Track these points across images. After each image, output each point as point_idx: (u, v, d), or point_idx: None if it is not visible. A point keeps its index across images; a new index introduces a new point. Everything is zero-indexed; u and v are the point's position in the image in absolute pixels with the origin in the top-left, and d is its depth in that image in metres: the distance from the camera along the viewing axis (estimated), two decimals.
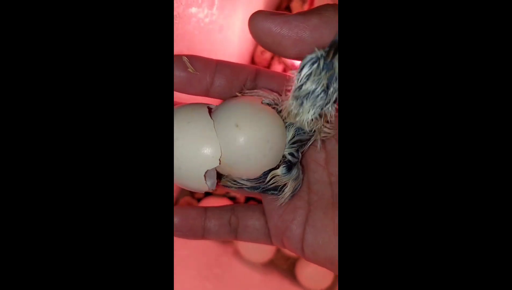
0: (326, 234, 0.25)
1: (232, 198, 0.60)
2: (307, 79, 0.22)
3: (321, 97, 0.22)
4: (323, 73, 0.21)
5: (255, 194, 0.27)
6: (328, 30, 0.21)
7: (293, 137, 0.24)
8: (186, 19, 0.38)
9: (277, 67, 0.62)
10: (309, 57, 0.22)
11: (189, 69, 0.24)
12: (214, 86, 0.25)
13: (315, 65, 0.21)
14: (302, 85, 0.22)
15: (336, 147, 0.25)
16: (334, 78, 0.21)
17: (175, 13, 0.32)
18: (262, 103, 0.24)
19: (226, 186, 0.26)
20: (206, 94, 0.25)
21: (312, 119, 0.23)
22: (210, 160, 0.23)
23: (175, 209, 0.28)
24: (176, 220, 0.28)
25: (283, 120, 0.25)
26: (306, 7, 0.49)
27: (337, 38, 0.21)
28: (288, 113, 0.24)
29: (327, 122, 0.24)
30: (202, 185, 0.24)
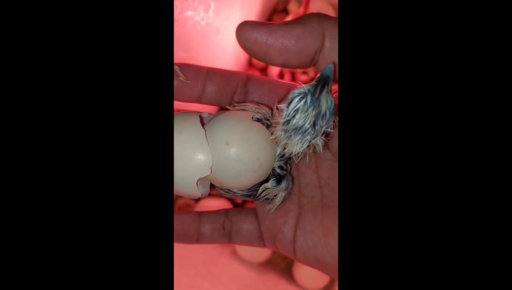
0: (315, 236, 0.25)
1: (230, 198, 0.60)
2: (295, 115, 0.22)
3: (309, 132, 0.22)
4: (310, 110, 0.22)
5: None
6: (312, 39, 0.22)
7: (283, 151, 0.25)
8: (182, 22, 0.38)
9: (274, 69, 0.62)
10: (296, 92, 0.22)
11: (181, 78, 0.24)
12: (205, 93, 0.25)
13: (303, 101, 0.22)
14: (290, 120, 0.23)
15: (325, 152, 0.26)
16: (321, 115, 0.22)
17: None
18: (252, 119, 0.25)
19: (219, 194, 0.27)
20: (198, 101, 0.26)
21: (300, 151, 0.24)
22: (202, 168, 0.24)
23: None
24: None
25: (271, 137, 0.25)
26: (302, 9, 0.49)
27: (324, 73, 0.22)
28: (278, 142, 0.24)
29: (316, 150, 0.24)
30: (195, 192, 0.25)
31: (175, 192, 0.26)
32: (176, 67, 0.24)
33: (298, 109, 0.22)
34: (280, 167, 0.26)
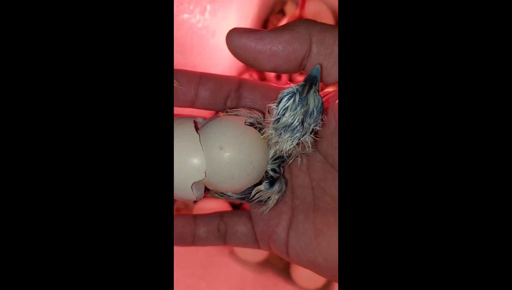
0: (307, 237, 0.26)
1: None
2: (284, 113, 0.23)
3: (298, 130, 0.23)
4: (298, 108, 0.23)
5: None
6: (299, 44, 0.22)
7: (275, 154, 0.26)
8: (178, 25, 0.38)
9: None
10: (285, 91, 0.23)
11: (175, 84, 0.25)
12: (199, 98, 0.26)
13: (291, 100, 0.23)
14: (280, 118, 0.23)
15: (316, 153, 0.26)
16: (309, 113, 0.23)
17: None
18: (245, 123, 0.25)
19: (214, 197, 0.27)
20: (192, 105, 0.26)
21: (291, 148, 0.25)
22: (196, 172, 0.25)
23: None
24: None
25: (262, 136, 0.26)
26: (297, 11, 0.50)
27: (311, 74, 0.23)
28: (269, 140, 0.25)
29: (305, 148, 0.25)
30: (189, 195, 0.25)
31: None
32: None
33: (287, 107, 0.23)
34: (273, 170, 0.26)
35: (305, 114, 0.23)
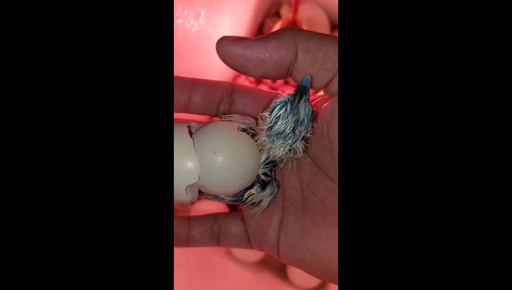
0: (296, 238, 0.26)
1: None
2: (276, 121, 0.25)
3: (290, 137, 0.25)
4: (290, 117, 0.24)
5: None
6: (285, 52, 0.23)
7: (266, 159, 0.27)
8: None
9: None
10: (278, 101, 0.25)
11: None
12: (191, 103, 0.27)
13: (283, 109, 0.24)
14: (272, 126, 0.25)
15: (305, 156, 0.27)
16: (300, 121, 0.24)
17: None
18: (238, 129, 0.26)
19: (208, 199, 0.28)
20: (185, 110, 0.27)
21: (283, 153, 0.26)
22: (190, 176, 0.26)
23: None
24: None
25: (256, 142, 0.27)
26: (291, 15, 0.50)
27: (302, 84, 0.24)
28: (263, 146, 0.26)
29: (296, 153, 0.26)
30: (183, 198, 0.26)
31: None
32: None
33: (279, 116, 0.25)
34: (265, 174, 0.27)
35: (296, 122, 0.24)
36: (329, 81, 0.24)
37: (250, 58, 0.23)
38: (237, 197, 0.28)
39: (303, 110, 0.24)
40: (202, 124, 0.28)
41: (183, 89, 0.26)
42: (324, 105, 0.25)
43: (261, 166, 0.27)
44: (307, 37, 0.23)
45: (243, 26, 0.59)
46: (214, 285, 0.56)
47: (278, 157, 0.26)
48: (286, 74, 0.24)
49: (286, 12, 0.63)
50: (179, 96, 0.26)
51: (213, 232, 0.30)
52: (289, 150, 0.25)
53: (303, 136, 0.25)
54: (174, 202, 0.26)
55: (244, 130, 0.26)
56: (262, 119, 0.26)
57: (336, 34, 0.64)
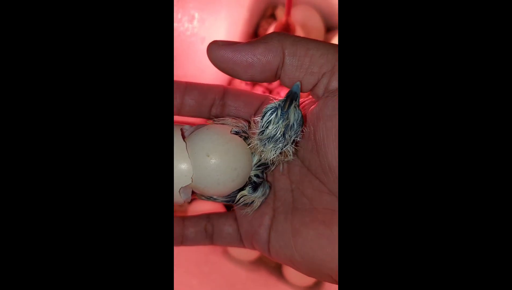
0: (285, 237, 0.27)
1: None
2: (268, 126, 0.26)
3: (280, 141, 0.26)
4: (280, 122, 0.25)
5: None
6: (272, 56, 0.24)
7: (258, 161, 0.28)
8: None
9: None
10: (269, 106, 0.26)
11: None
12: (184, 106, 0.27)
13: (274, 114, 0.25)
14: (264, 130, 0.26)
15: (295, 158, 0.28)
16: (289, 126, 0.25)
17: None
18: (231, 132, 0.27)
19: (201, 199, 0.29)
20: (178, 113, 0.28)
21: (274, 156, 0.27)
22: (183, 178, 0.26)
23: None
24: None
25: (249, 145, 0.28)
26: (284, 18, 0.51)
27: (292, 90, 0.25)
28: (255, 149, 0.27)
29: (287, 156, 0.27)
30: (177, 199, 0.27)
31: None
32: None
33: (270, 121, 0.26)
34: (256, 176, 0.28)
35: (286, 127, 0.25)
36: (315, 85, 0.25)
37: (239, 62, 0.24)
38: (230, 197, 0.29)
39: (293, 115, 0.25)
40: (195, 127, 0.28)
41: (176, 92, 0.27)
42: (311, 108, 0.26)
43: (253, 168, 0.28)
44: (294, 42, 0.24)
45: (238, 28, 0.60)
46: (211, 284, 0.57)
47: (270, 160, 0.27)
48: (274, 78, 0.25)
49: (281, 14, 0.64)
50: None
51: (207, 231, 0.31)
52: (280, 153, 0.26)
53: (293, 140, 0.26)
54: None
55: (237, 133, 0.27)
56: (254, 123, 0.27)
57: (331, 35, 0.65)
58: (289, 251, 0.27)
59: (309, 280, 0.63)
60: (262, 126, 0.26)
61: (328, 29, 0.65)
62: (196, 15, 0.43)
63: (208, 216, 0.31)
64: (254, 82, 0.25)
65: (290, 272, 0.62)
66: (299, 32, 0.57)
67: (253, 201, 0.28)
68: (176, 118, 0.30)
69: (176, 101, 0.27)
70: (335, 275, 0.26)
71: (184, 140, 0.27)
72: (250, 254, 0.62)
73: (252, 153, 0.28)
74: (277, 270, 0.64)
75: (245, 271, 0.61)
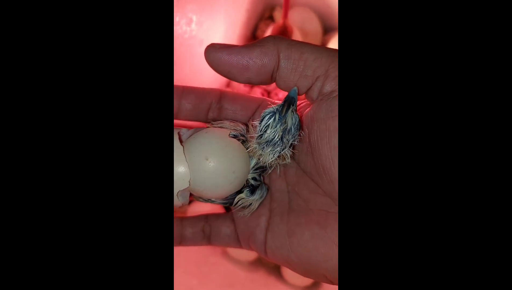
0: (281, 237, 0.28)
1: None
2: (266, 130, 0.26)
3: (278, 144, 0.26)
4: (278, 126, 0.26)
5: None
6: (268, 59, 0.24)
7: (256, 164, 0.29)
8: None
9: None
10: (267, 111, 0.26)
11: None
12: (181, 110, 0.28)
13: (272, 118, 0.26)
14: (262, 134, 0.26)
15: (291, 161, 0.28)
16: (287, 130, 0.26)
17: None
18: (229, 135, 0.28)
19: (199, 201, 0.29)
20: (175, 117, 0.28)
21: (272, 160, 0.27)
22: (181, 181, 0.27)
23: None
24: None
25: (247, 149, 0.28)
26: (281, 20, 0.51)
27: (289, 95, 0.25)
28: (253, 153, 0.28)
29: (285, 159, 0.28)
30: (175, 202, 0.28)
31: None
32: None
33: (268, 125, 0.26)
34: (254, 179, 0.29)
35: (284, 131, 0.26)
36: (309, 88, 0.25)
37: (236, 65, 0.24)
38: (228, 199, 0.29)
39: (290, 120, 0.26)
40: (192, 130, 0.29)
41: (174, 96, 0.27)
42: (306, 111, 0.26)
43: (251, 171, 0.28)
44: (289, 46, 0.24)
45: (236, 30, 0.60)
46: (210, 284, 0.57)
47: (268, 163, 0.27)
48: (270, 80, 0.26)
49: (279, 16, 0.64)
50: None
51: (204, 232, 0.31)
52: (278, 156, 0.27)
53: (291, 144, 0.26)
54: None
55: (235, 136, 0.28)
56: (252, 127, 0.27)
57: (329, 37, 0.65)
58: (285, 251, 0.27)
59: (307, 280, 0.63)
60: (261, 130, 0.26)
61: (326, 31, 0.66)
62: (194, 18, 0.44)
63: (206, 217, 0.32)
64: (251, 84, 0.26)
65: (288, 272, 0.62)
66: (297, 34, 0.58)
67: (251, 203, 0.29)
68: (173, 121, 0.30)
69: (174, 105, 0.28)
70: (330, 276, 0.26)
71: (181, 144, 0.27)
72: (249, 254, 0.63)
73: (250, 156, 0.28)
74: (275, 271, 0.64)
75: (244, 271, 0.62)
